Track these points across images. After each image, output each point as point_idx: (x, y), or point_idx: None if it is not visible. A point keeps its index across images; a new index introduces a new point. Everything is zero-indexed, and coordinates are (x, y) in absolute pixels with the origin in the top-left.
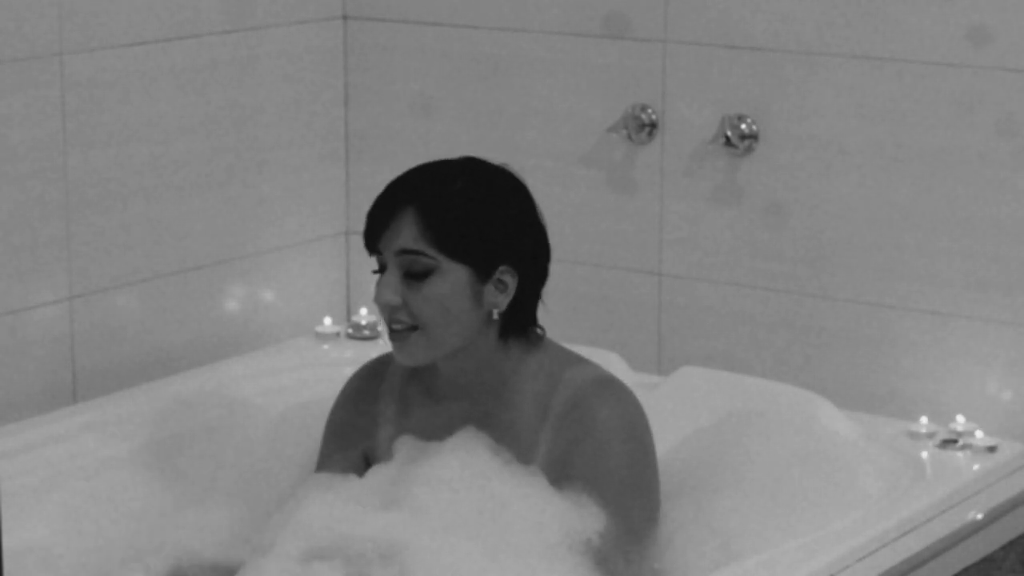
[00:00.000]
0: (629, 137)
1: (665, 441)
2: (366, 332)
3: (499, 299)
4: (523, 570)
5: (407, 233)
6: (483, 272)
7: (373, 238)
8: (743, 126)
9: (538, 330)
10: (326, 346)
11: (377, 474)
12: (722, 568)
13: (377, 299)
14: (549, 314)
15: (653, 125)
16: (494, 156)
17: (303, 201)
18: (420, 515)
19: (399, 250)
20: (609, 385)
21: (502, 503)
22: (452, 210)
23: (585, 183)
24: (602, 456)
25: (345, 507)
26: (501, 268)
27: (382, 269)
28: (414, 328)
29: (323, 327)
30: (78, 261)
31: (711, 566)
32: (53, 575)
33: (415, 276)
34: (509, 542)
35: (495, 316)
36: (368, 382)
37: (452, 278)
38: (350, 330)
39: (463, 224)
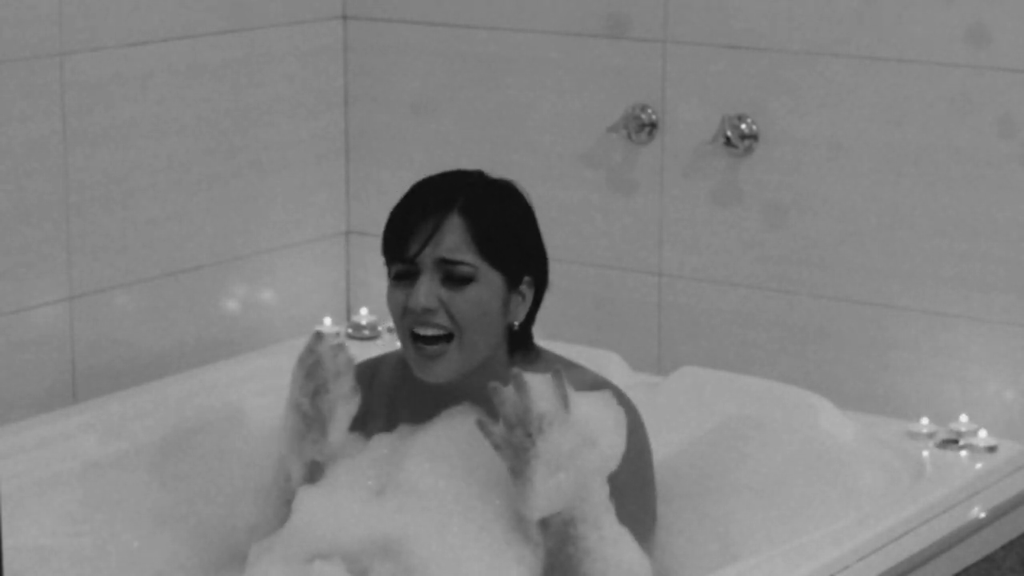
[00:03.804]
0: (629, 137)
1: (665, 441)
2: (366, 332)
3: (519, 311)
4: (514, 545)
5: (451, 241)
6: (513, 281)
7: (406, 247)
8: (743, 126)
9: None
10: None
11: (375, 449)
12: (722, 568)
13: (411, 304)
14: (550, 314)
15: (653, 125)
16: (494, 156)
17: (303, 201)
18: (414, 495)
19: (441, 259)
20: (604, 390)
21: (493, 476)
22: (495, 217)
23: (585, 183)
24: None
25: (342, 501)
26: (526, 279)
27: (406, 276)
28: (448, 337)
29: (323, 327)
30: (78, 261)
31: (712, 566)
32: (53, 575)
33: (455, 282)
34: (500, 516)
35: (515, 327)
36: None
37: (490, 285)
38: (350, 330)
39: (504, 231)
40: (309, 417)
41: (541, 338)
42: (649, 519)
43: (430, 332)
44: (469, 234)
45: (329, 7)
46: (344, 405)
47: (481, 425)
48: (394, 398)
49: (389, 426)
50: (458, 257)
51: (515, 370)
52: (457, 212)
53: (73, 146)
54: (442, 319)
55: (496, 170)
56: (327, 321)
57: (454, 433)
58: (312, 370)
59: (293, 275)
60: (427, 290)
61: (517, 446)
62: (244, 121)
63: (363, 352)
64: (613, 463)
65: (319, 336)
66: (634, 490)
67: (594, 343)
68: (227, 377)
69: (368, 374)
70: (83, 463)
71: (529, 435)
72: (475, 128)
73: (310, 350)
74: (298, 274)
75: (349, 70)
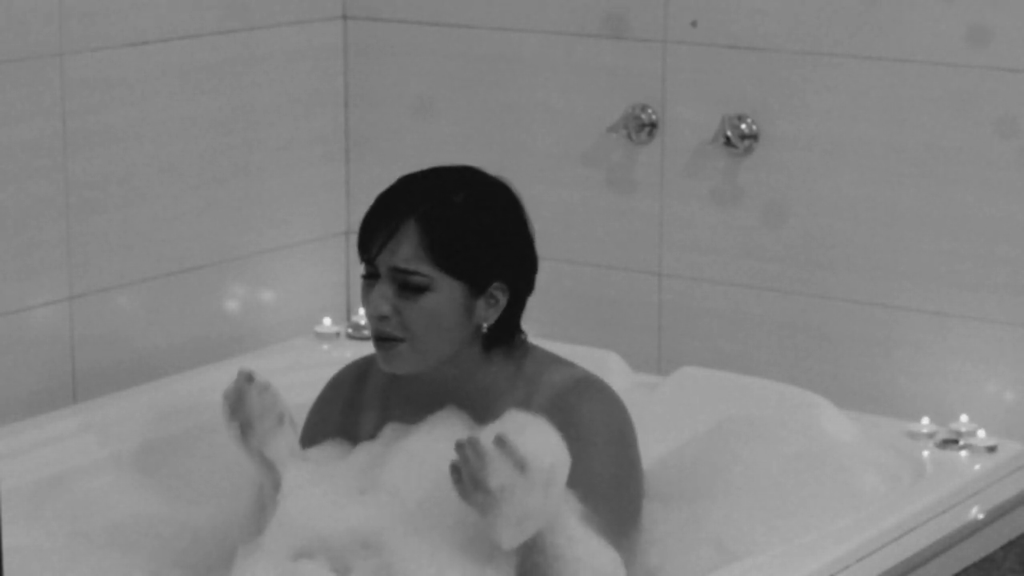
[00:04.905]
0: (629, 137)
1: (665, 441)
2: (366, 332)
3: (489, 313)
4: (488, 543)
5: (405, 250)
6: (477, 288)
7: (368, 248)
8: (743, 126)
9: (520, 335)
10: (326, 346)
11: (359, 456)
12: (722, 568)
13: (368, 309)
14: (550, 314)
15: (653, 125)
16: (494, 156)
17: (303, 201)
18: (395, 496)
19: (395, 268)
20: (589, 384)
21: None
22: (452, 227)
23: (585, 183)
24: (584, 455)
25: (325, 501)
26: (495, 284)
27: (372, 276)
28: (401, 340)
29: (323, 327)
30: (78, 261)
31: (711, 566)
32: (53, 575)
33: (410, 289)
34: (475, 517)
35: (484, 329)
36: (351, 384)
37: (447, 294)
38: (350, 330)
39: (462, 242)
40: (247, 451)
41: (540, 338)
42: (631, 514)
43: (384, 336)
44: (423, 244)
45: (329, 7)
46: (275, 437)
47: (452, 472)
48: (386, 395)
49: (380, 423)
50: (411, 267)
51: (469, 437)
52: (415, 219)
53: (73, 146)
54: (395, 325)
55: (496, 170)
56: (327, 321)
57: (433, 441)
58: (235, 409)
59: (293, 275)
60: (381, 295)
61: (480, 505)
62: (244, 121)
63: (363, 352)
64: (566, 475)
65: (249, 378)
66: (615, 484)
67: (594, 343)
68: (227, 377)
69: (360, 372)
70: (83, 463)
71: (491, 496)
72: (475, 128)
73: (234, 390)
74: (298, 274)
75: (349, 70)
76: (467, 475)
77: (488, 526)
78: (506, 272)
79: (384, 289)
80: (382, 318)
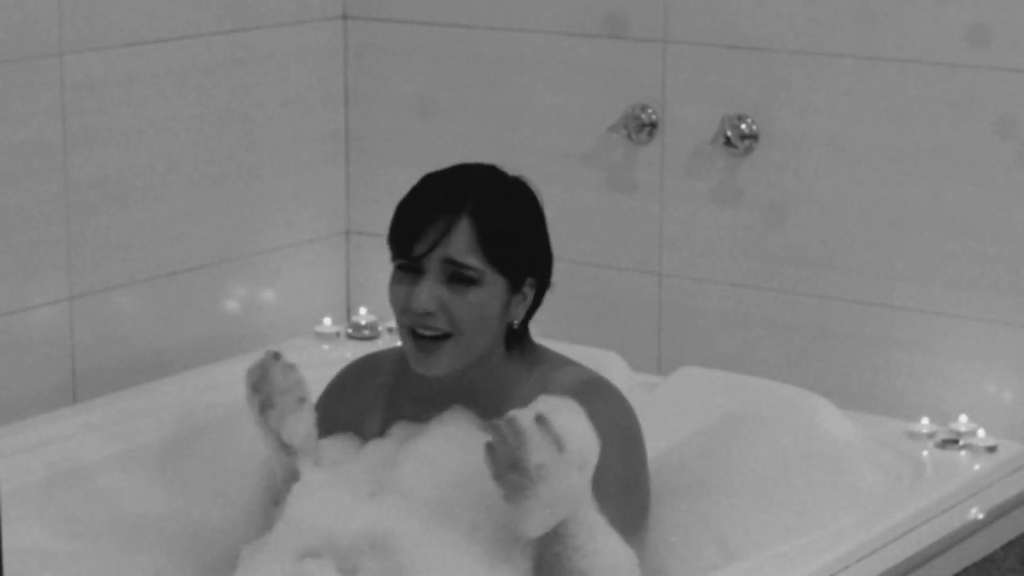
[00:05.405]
0: (629, 137)
1: (665, 441)
2: (366, 332)
3: (519, 310)
4: (504, 549)
5: (458, 243)
6: (515, 284)
7: (412, 243)
8: (743, 126)
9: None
10: (326, 346)
11: (370, 455)
12: (722, 568)
13: (411, 303)
14: (550, 314)
15: (653, 125)
16: (494, 156)
17: (303, 201)
18: (407, 498)
19: (447, 259)
20: (597, 386)
21: (483, 480)
22: (501, 223)
23: (585, 183)
24: None
25: (334, 500)
26: (528, 280)
27: (409, 270)
28: (446, 336)
29: (323, 327)
30: (78, 261)
31: (711, 566)
32: (53, 575)
33: (461, 282)
34: (490, 519)
35: (514, 326)
36: (357, 380)
37: (493, 289)
38: (350, 330)
39: (510, 238)
40: (264, 429)
41: (541, 338)
42: (640, 514)
43: (428, 333)
44: (477, 238)
45: (329, 7)
46: (294, 417)
47: (487, 451)
48: (392, 394)
49: (386, 422)
50: (465, 260)
51: (507, 415)
52: (467, 215)
53: (73, 146)
54: (441, 321)
55: None
56: (327, 321)
57: (444, 442)
58: (258, 385)
59: (293, 275)
60: (429, 292)
61: (515, 485)
62: (244, 121)
63: (363, 352)
64: (596, 458)
65: (275, 355)
66: (625, 484)
67: (594, 343)
68: (227, 377)
69: (366, 369)
70: (83, 463)
71: (528, 475)
72: (475, 128)
73: (259, 366)
74: (298, 274)
75: (349, 70)
76: (503, 454)
77: (516, 511)
78: (536, 268)
79: (431, 285)
80: (428, 314)
